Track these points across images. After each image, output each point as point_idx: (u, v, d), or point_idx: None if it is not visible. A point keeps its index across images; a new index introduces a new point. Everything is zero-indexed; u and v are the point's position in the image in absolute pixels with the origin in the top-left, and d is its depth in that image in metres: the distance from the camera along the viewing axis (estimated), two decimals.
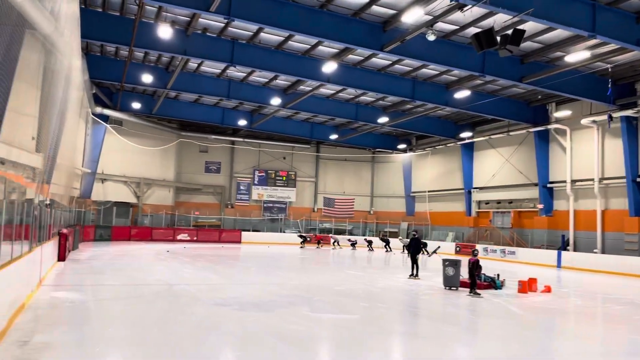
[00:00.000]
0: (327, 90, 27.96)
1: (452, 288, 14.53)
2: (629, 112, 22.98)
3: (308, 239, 37.39)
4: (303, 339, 7.99)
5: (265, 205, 42.22)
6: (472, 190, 35.05)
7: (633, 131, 23.70)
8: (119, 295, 11.62)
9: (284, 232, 40.87)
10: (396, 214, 42.48)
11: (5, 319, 7.38)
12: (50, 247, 14.83)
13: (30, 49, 16.50)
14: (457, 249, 33.08)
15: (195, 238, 35.35)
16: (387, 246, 34.07)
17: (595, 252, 25.18)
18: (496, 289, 14.95)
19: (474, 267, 13.71)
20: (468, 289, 13.86)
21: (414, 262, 17.34)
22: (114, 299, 11.06)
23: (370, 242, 35.43)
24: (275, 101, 28.07)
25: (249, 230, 38.92)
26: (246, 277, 16.71)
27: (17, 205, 8.72)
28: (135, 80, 25.47)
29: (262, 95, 28.23)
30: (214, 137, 38.94)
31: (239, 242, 36.65)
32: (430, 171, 39.24)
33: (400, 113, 31.40)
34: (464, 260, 15.46)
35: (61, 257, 17.95)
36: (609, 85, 20.34)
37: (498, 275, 15.49)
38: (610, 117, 21.83)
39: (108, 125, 30.84)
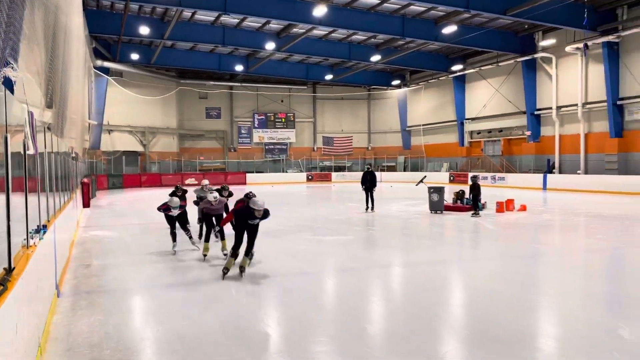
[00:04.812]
0: (320, 31, 28.67)
1: (438, 212, 16.33)
2: (610, 38, 23.94)
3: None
4: (308, 255, 9.78)
5: (266, 147, 43.78)
6: (464, 121, 36.38)
7: (614, 56, 24.75)
8: (146, 231, 13.42)
9: (287, 172, 42.68)
10: (393, 148, 44.06)
11: (67, 250, 9.15)
12: (77, 196, 16.52)
13: (30, 8, 17.42)
14: (451, 177, 34.90)
15: None
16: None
17: (579, 173, 26.96)
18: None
19: (474, 190, 15.60)
20: (453, 212, 15.70)
21: (369, 196, 17.16)
22: (143, 234, 12.87)
23: None
24: (270, 45, 28.87)
25: (252, 172, 40.72)
26: None
27: (56, 158, 10.21)
28: (133, 32, 26.23)
29: (256, 40, 29.00)
30: (212, 83, 39.87)
31: (244, 183, 38.53)
32: (425, 105, 40.38)
33: (392, 50, 32.16)
34: (450, 187, 17.11)
35: (85, 204, 19.75)
36: (585, 15, 21.22)
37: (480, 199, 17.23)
38: (587, 46, 22.95)
39: (109, 78, 31.84)
